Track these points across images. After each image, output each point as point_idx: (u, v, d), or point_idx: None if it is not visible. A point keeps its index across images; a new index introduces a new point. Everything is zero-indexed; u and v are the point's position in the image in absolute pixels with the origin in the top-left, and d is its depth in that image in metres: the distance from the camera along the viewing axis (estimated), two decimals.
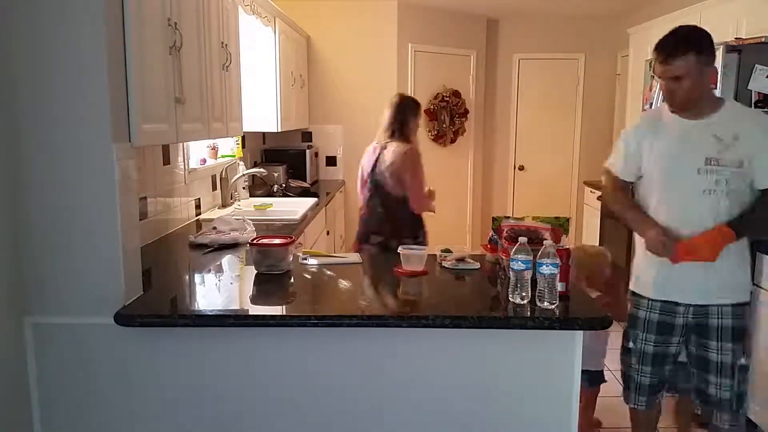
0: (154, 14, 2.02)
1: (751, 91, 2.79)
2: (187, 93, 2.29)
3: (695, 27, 2.12)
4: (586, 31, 6.10)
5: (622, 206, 2.31)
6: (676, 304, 2.20)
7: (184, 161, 3.20)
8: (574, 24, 6.09)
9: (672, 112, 2.13)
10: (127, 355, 1.89)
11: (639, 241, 2.26)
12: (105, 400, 1.92)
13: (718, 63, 2.81)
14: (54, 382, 1.91)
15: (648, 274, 2.24)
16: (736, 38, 3.12)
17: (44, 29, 1.73)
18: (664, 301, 2.21)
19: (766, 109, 2.79)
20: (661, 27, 4.42)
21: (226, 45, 2.80)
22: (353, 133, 5.44)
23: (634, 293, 2.32)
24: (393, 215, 3.09)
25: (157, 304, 1.95)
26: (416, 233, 3.13)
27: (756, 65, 2.76)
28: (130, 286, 1.87)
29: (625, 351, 2.33)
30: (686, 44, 2.02)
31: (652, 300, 2.24)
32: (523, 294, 1.85)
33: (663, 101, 2.16)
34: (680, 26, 2.11)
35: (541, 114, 6.21)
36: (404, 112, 3.13)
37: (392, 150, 3.05)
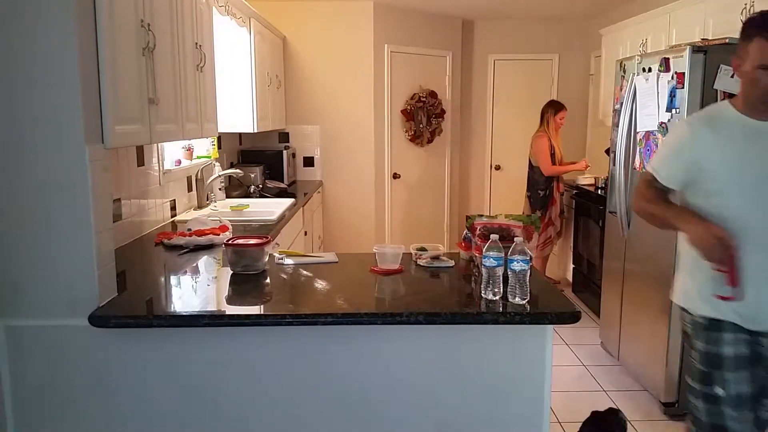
0: (127, 15, 2.01)
1: (716, 90, 2.85)
2: (160, 94, 2.28)
3: None
4: (559, 32, 6.19)
5: (661, 206, 1.98)
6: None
7: (158, 162, 3.18)
8: (548, 25, 6.17)
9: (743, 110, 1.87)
10: (102, 357, 1.89)
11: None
12: (80, 401, 1.91)
13: (685, 63, 2.88)
14: (28, 384, 1.89)
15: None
16: (702, 39, 3.19)
17: (15, 30, 1.72)
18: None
19: None
20: (632, 28, 4.51)
21: (201, 46, 2.80)
22: (330, 134, 5.46)
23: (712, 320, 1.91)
24: None
25: (132, 305, 1.95)
26: None
27: (720, 65, 2.82)
28: (104, 288, 1.86)
29: (711, 399, 1.88)
30: None
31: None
32: (495, 290, 1.89)
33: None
34: None
35: (516, 114, 6.27)
36: None
37: None
